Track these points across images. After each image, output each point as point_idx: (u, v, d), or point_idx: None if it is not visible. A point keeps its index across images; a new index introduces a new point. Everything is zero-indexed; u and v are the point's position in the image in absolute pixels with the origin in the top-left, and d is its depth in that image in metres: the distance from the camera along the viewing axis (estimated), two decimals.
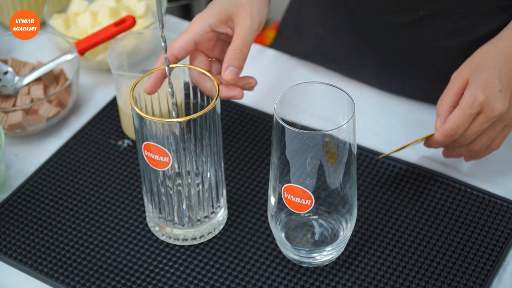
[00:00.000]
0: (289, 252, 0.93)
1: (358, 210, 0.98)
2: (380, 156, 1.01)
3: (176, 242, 0.96)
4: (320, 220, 0.92)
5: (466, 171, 1.04)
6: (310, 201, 0.85)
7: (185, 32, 0.96)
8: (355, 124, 0.84)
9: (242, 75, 0.98)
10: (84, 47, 1.12)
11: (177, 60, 0.96)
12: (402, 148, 0.99)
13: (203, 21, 0.95)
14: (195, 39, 0.95)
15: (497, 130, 0.96)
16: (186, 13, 1.89)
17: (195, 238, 0.96)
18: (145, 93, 0.92)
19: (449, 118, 0.94)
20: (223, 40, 0.99)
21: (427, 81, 1.11)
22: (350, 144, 0.84)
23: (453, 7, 1.03)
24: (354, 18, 1.12)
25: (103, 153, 1.07)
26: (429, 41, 1.07)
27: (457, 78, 0.96)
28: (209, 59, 0.99)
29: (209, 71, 0.95)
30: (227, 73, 0.93)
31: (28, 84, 1.11)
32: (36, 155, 1.08)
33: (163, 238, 0.96)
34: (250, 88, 0.99)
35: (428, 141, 0.98)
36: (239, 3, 0.96)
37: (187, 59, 1.04)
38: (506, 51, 0.96)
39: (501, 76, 0.94)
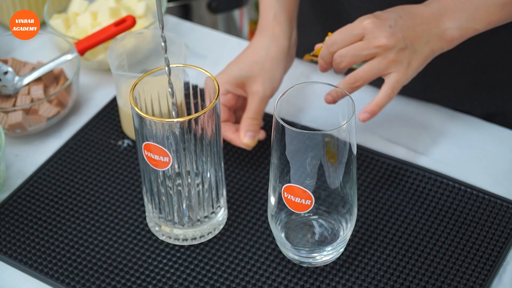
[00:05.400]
0: (289, 252, 0.93)
1: (358, 210, 0.98)
2: (305, 58, 1.02)
3: (176, 242, 0.96)
4: (320, 220, 0.92)
5: (466, 171, 1.04)
6: (310, 201, 0.85)
7: None
8: (355, 124, 0.84)
9: None
10: (84, 47, 1.12)
11: None
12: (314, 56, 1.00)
13: (221, 86, 1.01)
14: (224, 101, 1.02)
15: (379, 68, 0.95)
16: (186, 13, 1.88)
17: (195, 238, 0.96)
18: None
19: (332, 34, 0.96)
20: (244, 97, 1.05)
21: (427, 80, 1.11)
22: (350, 144, 0.84)
23: None
24: (355, 17, 1.12)
25: (103, 153, 1.07)
26: None
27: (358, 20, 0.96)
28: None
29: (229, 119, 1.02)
30: (246, 139, 1.00)
31: (28, 84, 1.11)
32: (36, 155, 1.08)
33: (163, 238, 0.96)
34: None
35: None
36: (252, 74, 1.02)
37: (186, 59, 1.04)
38: (414, 9, 0.96)
39: (397, 20, 0.94)
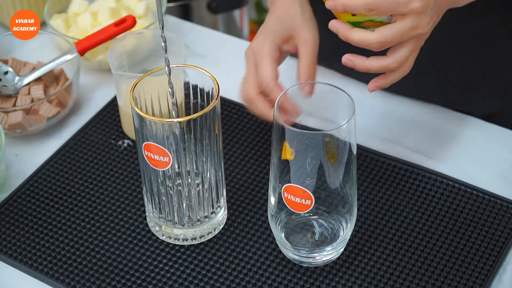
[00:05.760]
0: (289, 252, 0.93)
1: (358, 210, 0.98)
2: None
3: (176, 242, 0.96)
4: (320, 220, 0.92)
5: (466, 171, 1.04)
6: (310, 201, 0.85)
7: (264, 57, 0.98)
8: (355, 124, 0.84)
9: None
10: (84, 47, 1.12)
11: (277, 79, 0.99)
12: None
13: (271, 43, 0.99)
14: (275, 59, 1.00)
15: (411, 49, 0.91)
16: (186, 13, 1.88)
17: (195, 238, 0.96)
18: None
19: None
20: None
21: (426, 80, 1.11)
22: (350, 144, 0.84)
23: None
24: None
25: (103, 153, 1.07)
26: (427, 38, 1.06)
27: None
28: None
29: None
30: (307, 88, 0.94)
31: (28, 84, 1.11)
32: (36, 155, 1.08)
33: (163, 238, 0.96)
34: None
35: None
36: (296, 25, 1.00)
37: (186, 59, 1.04)
38: None
39: None
